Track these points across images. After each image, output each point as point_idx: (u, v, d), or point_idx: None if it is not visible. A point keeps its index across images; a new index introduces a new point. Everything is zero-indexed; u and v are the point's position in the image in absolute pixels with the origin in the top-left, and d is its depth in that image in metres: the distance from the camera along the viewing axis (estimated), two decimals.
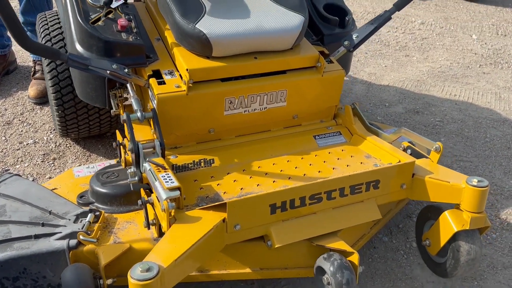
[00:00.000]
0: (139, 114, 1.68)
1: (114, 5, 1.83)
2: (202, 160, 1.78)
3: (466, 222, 1.68)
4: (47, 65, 2.11)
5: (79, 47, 1.78)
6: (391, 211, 2.03)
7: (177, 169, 1.75)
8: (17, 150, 2.44)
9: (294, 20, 1.85)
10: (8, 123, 2.61)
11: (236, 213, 1.49)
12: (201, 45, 1.76)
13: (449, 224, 1.71)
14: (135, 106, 1.71)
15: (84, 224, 1.50)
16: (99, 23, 1.80)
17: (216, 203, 1.51)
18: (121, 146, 1.84)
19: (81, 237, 1.44)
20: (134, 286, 1.20)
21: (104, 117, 2.26)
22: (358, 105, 2.12)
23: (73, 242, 1.45)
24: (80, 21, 1.78)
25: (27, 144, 2.48)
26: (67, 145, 2.50)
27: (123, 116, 1.68)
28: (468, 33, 4.37)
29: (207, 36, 1.72)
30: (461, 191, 1.69)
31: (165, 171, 1.51)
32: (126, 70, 1.70)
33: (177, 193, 1.45)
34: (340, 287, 1.49)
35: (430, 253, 1.86)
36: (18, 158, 2.39)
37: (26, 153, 2.42)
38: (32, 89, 2.75)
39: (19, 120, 2.65)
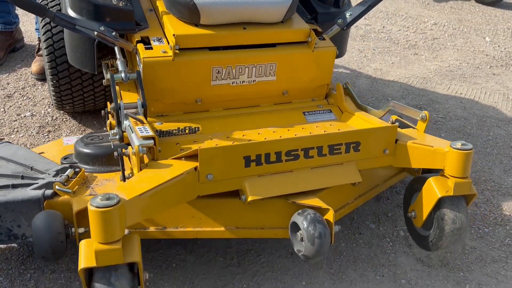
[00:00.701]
0: (123, 74, 1.69)
1: None
2: (187, 128, 1.79)
3: (450, 188, 1.64)
4: (43, 34, 2.15)
5: (70, 11, 1.81)
6: (378, 186, 1.99)
7: (161, 134, 1.75)
8: (14, 121, 2.48)
9: None
10: (9, 96, 2.66)
11: (208, 162, 1.48)
12: (189, 12, 1.76)
13: (433, 191, 1.67)
14: (120, 67, 1.73)
15: (62, 177, 1.51)
16: None
17: (189, 151, 1.50)
18: (109, 114, 1.86)
19: (56, 187, 1.45)
20: (93, 214, 1.20)
21: (99, 90, 2.28)
22: (350, 85, 2.10)
23: (48, 192, 1.46)
24: None
25: (24, 116, 2.52)
26: (63, 120, 2.53)
27: (107, 75, 1.69)
28: (481, 35, 4.29)
29: (195, 2, 1.73)
30: (445, 155, 1.65)
31: (143, 125, 1.53)
32: (113, 33, 1.72)
33: (151, 141, 1.46)
34: (312, 241, 1.47)
35: (416, 226, 1.81)
36: (14, 129, 2.43)
37: (23, 125, 2.46)
38: (35, 65, 2.80)
39: (20, 94, 2.69)
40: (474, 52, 3.97)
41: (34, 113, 2.55)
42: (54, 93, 2.27)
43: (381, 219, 2.18)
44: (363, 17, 4.30)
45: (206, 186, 1.52)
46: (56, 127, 2.47)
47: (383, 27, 4.23)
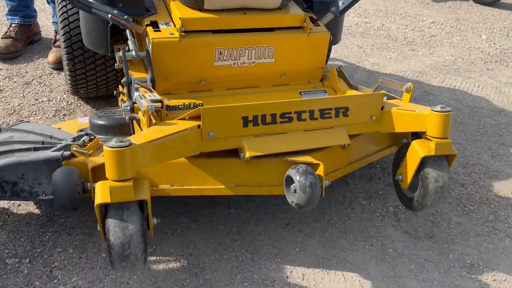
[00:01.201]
0: (134, 52, 1.88)
1: None
2: (191, 104, 1.95)
3: (432, 148, 1.80)
4: (61, 22, 2.34)
5: None
6: (368, 157, 2.14)
7: (167, 109, 1.92)
8: (32, 105, 2.67)
9: None
10: (27, 83, 2.86)
11: (209, 120, 1.66)
12: None
13: (416, 152, 1.83)
14: (131, 46, 1.91)
15: (79, 142, 1.69)
16: None
17: (192, 110, 1.68)
18: (120, 94, 2.04)
19: (74, 148, 1.62)
20: (108, 153, 1.38)
21: (111, 74, 2.46)
22: (344, 68, 2.27)
23: (66, 153, 1.62)
24: None
25: (41, 101, 2.71)
26: (78, 105, 2.72)
27: (120, 53, 1.87)
28: (477, 33, 4.43)
29: None
30: (426, 118, 1.82)
31: (152, 92, 1.70)
32: (126, 16, 1.90)
33: (159, 104, 1.65)
34: (304, 189, 1.63)
35: (403, 188, 1.97)
36: (32, 112, 2.62)
37: (40, 109, 2.65)
38: (52, 55, 2.99)
39: (37, 81, 2.89)
40: (470, 49, 4.11)
41: (51, 99, 2.74)
42: (69, 77, 2.45)
43: (372, 196, 2.33)
44: (363, 16, 4.47)
45: (208, 143, 1.70)
46: (71, 111, 2.66)
47: (382, 24, 4.39)
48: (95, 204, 1.41)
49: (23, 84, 2.84)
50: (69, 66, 2.39)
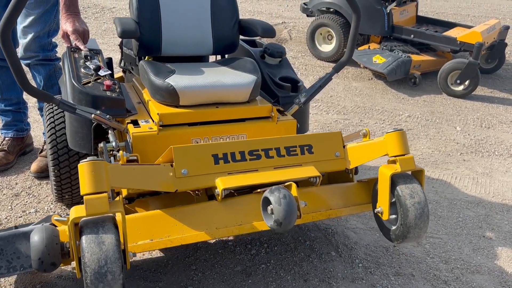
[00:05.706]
0: (114, 143, 2.03)
1: (101, 73, 2.27)
2: None
3: (397, 166, 1.92)
4: (48, 130, 2.48)
5: (71, 102, 2.15)
6: (349, 207, 2.19)
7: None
8: (19, 217, 2.73)
9: (248, 78, 2.30)
10: (16, 195, 2.94)
11: (181, 158, 1.79)
12: (170, 95, 2.15)
13: (384, 174, 1.93)
14: (111, 138, 2.06)
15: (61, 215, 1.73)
16: (89, 84, 2.22)
17: (165, 152, 1.80)
18: None
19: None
20: (82, 167, 1.49)
21: None
22: None
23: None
24: (74, 82, 2.20)
25: (29, 213, 2.77)
26: (64, 214, 2.78)
27: (101, 144, 2.02)
28: (452, 125, 4.66)
29: (174, 87, 2.14)
30: (384, 142, 1.98)
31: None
32: (108, 116, 2.07)
33: (134, 157, 1.81)
34: (279, 202, 1.67)
35: (384, 220, 2.02)
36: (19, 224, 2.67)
37: (27, 220, 2.70)
38: (34, 164, 3.10)
39: (26, 192, 2.97)
40: (446, 141, 4.30)
41: (38, 210, 2.80)
42: (55, 183, 2.54)
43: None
44: (342, 112, 4.72)
45: (183, 181, 1.79)
46: None
47: (360, 120, 4.61)
48: (69, 222, 1.44)
49: (11, 196, 2.92)
50: (54, 172, 2.49)
